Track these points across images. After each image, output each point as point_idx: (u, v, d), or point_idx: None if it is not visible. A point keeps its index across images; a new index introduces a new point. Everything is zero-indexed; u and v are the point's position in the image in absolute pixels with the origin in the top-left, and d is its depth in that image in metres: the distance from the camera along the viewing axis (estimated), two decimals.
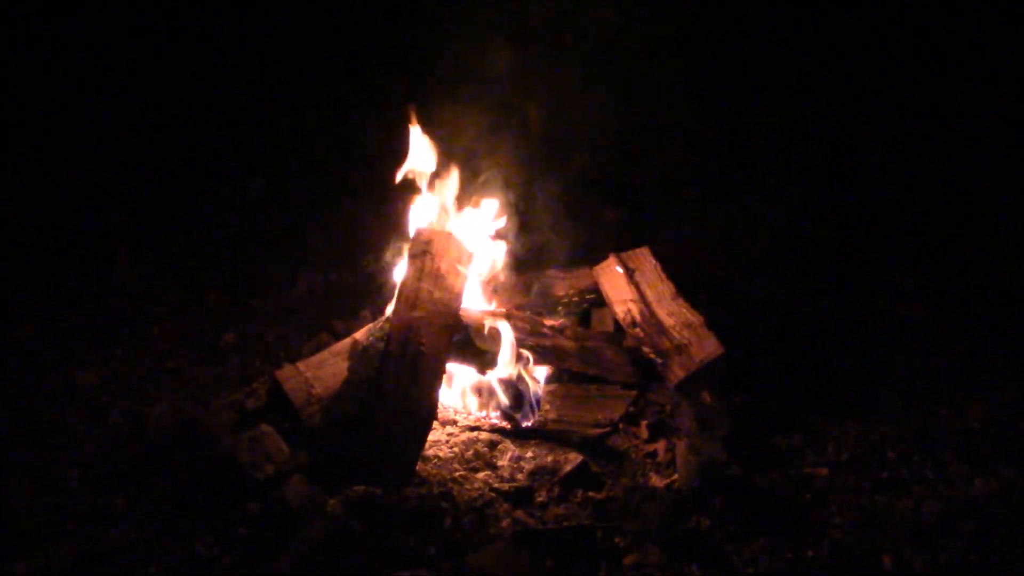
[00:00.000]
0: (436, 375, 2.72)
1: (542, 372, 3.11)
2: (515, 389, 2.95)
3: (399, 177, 3.29)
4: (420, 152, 3.27)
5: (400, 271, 3.05)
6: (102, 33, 5.27)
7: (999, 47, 4.96)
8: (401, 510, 2.31)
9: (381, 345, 2.77)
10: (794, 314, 3.77)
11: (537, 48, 4.20)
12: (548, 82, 4.36)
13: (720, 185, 4.89)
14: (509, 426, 2.93)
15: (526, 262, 3.69)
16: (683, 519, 2.41)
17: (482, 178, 3.48)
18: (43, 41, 5.20)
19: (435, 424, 2.86)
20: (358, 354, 2.91)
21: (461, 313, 2.93)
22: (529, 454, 2.79)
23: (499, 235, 3.43)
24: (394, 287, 3.11)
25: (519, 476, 2.67)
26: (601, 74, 4.48)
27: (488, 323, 3.05)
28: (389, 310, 3.05)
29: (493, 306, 3.33)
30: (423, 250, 2.91)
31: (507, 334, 3.00)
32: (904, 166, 4.95)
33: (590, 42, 4.41)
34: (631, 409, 3.02)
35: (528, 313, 3.35)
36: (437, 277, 2.86)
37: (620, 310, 3.35)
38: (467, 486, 2.59)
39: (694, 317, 3.20)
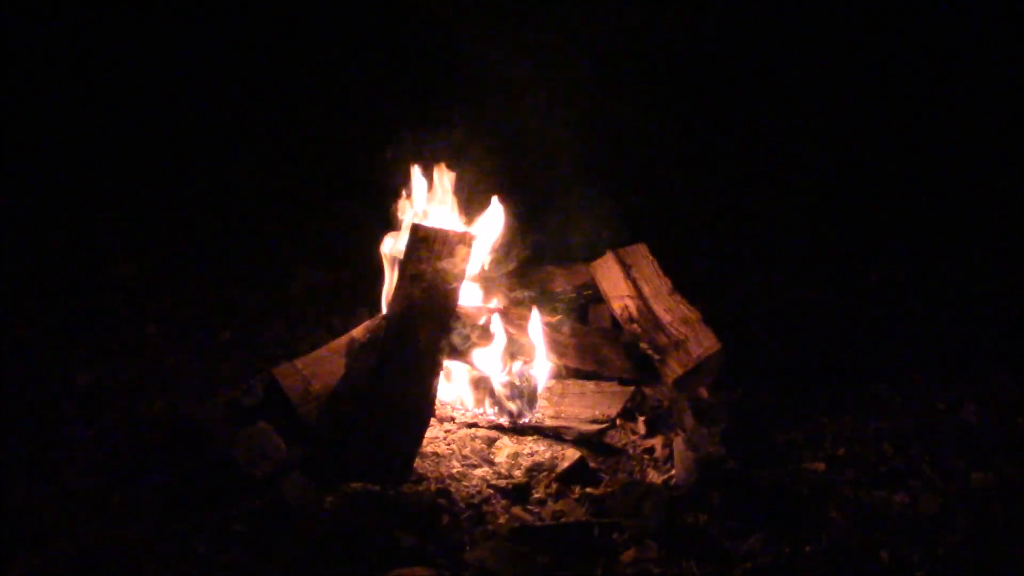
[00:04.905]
0: (433, 372, 2.72)
1: (539, 368, 3.11)
2: (512, 385, 2.95)
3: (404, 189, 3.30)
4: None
5: (396, 267, 3.04)
6: (99, 31, 5.25)
7: (999, 46, 4.96)
8: (399, 507, 2.31)
9: (378, 342, 2.77)
10: (791, 309, 3.77)
11: (536, 48, 4.19)
12: (547, 81, 4.35)
13: (717, 180, 4.89)
14: (507, 423, 2.93)
15: (523, 258, 3.68)
16: (680, 515, 2.41)
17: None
18: (41, 39, 5.18)
19: (433, 421, 2.86)
20: (355, 351, 2.90)
21: (458, 309, 2.93)
22: (527, 450, 2.79)
23: (496, 232, 3.42)
24: (391, 284, 3.10)
25: (517, 472, 2.67)
26: (598, 72, 4.47)
27: (485, 319, 3.04)
28: (386, 307, 3.04)
29: (490, 302, 3.32)
30: (419, 246, 2.90)
31: (504, 330, 3.00)
32: (902, 159, 4.95)
33: (589, 43, 4.41)
34: (628, 405, 3.02)
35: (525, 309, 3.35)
36: (434, 273, 2.85)
37: (617, 306, 3.35)
38: (465, 483, 2.59)
39: (691, 313, 3.20)
